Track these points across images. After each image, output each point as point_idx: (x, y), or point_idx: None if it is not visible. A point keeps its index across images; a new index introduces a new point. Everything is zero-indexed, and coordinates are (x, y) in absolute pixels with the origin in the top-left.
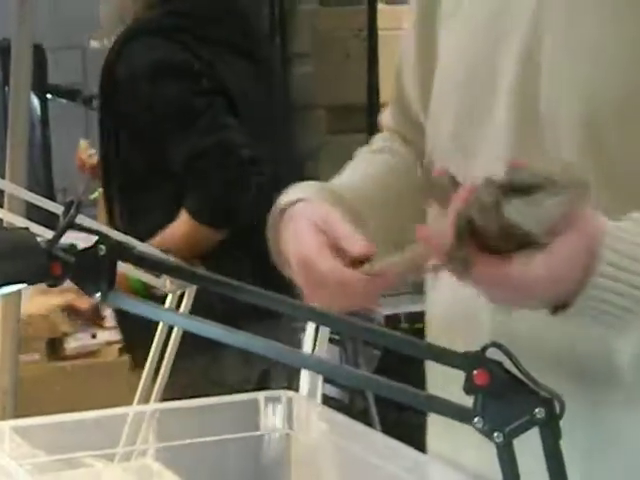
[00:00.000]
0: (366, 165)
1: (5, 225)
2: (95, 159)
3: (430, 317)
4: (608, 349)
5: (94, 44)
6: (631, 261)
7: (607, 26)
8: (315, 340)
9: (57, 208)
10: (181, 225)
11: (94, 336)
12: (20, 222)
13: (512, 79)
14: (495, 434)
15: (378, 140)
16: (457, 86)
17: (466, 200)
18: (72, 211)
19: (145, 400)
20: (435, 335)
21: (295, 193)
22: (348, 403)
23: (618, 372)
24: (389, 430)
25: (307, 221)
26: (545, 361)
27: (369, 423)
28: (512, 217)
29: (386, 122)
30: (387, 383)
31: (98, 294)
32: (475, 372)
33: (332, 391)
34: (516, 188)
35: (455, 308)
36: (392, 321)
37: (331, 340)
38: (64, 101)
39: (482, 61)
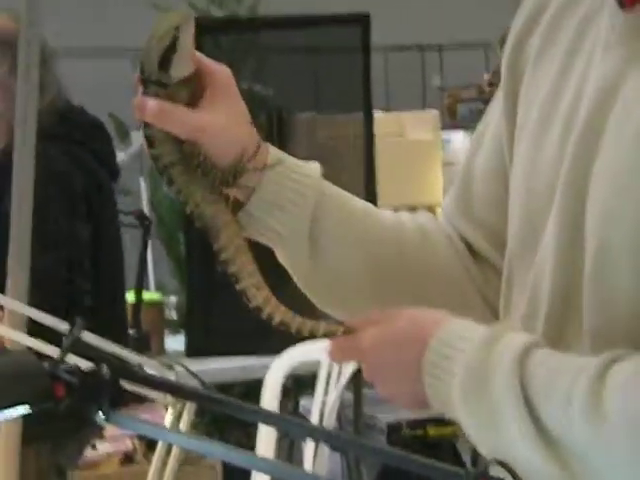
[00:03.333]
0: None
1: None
2: None
3: None
4: None
5: None
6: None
7: None
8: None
9: (61, 324)
10: None
11: (94, 447)
12: (21, 339)
13: (561, 197)
14: None
15: (429, 220)
16: (523, 193)
17: None
18: (75, 331)
19: None
20: None
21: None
22: None
23: None
24: None
25: None
26: None
27: None
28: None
29: (444, 211)
30: None
31: (101, 415)
32: None
33: None
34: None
35: None
36: (394, 428)
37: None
38: None
39: (543, 173)
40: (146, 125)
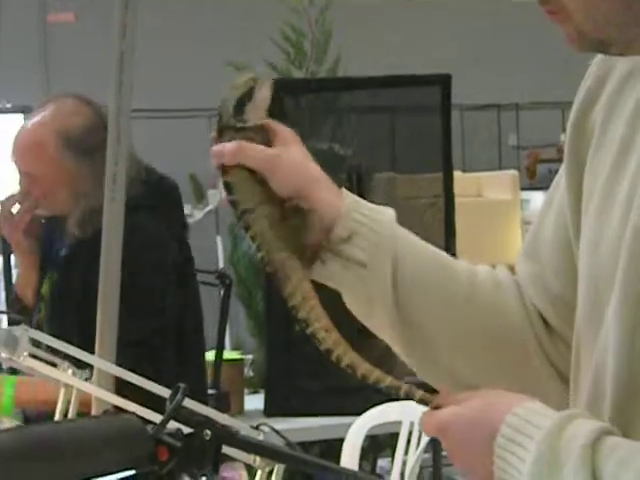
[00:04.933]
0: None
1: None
2: None
3: None
4: None
5: None
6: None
7: None
8: None
9: (159, 390)
10: None
11: None
12: (110, 398)
13: (621, 282)
14: None
15: (500, 272)
16: (588, 271)
17: None
18: (179, 396)
19: None
20: None
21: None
22: None
23: None
24: None
25: None
26: None
27: None
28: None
29: (517, 269)
30: None
31: (203, 478)
32: None
33: None
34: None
35: None
36: None
37: None
38: None
39: (606, 253)
40: (224, 173)
